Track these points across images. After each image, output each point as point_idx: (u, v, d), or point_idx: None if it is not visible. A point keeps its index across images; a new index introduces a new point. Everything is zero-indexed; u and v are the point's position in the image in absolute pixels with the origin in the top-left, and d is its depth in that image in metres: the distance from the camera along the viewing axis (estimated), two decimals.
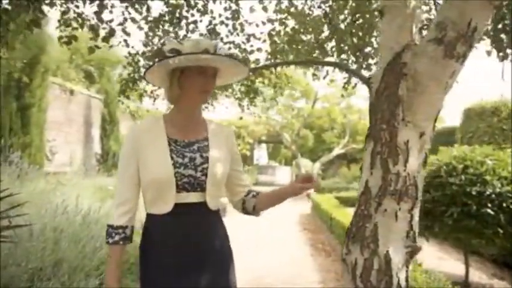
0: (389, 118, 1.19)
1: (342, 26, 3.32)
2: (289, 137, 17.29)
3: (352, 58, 3.65)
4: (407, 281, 1.20)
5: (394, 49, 1.26)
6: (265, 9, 3.30)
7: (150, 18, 3.53)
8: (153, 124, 1.41)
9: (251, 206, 1.50)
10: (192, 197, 1.36)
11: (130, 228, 1.37)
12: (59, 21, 3.04)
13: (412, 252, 1.21)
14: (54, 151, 8.62)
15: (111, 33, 2.98)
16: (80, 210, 3.42)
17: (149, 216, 1.40)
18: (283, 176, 23.85)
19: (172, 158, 1.34)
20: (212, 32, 3.51)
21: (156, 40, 3.69)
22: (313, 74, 4.63)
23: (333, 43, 3.65)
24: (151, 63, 1.44)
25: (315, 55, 3.78)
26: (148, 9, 3.41)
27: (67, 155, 9.36)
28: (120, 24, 3.18)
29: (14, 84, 6.81)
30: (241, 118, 6.04)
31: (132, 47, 4.13)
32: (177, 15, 3.29)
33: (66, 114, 9.47)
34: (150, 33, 3.68)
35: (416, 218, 1.23)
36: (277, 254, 5.47)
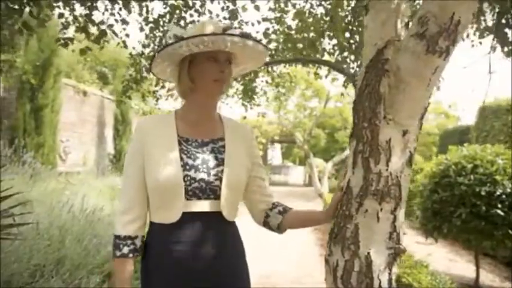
0: (371, 116, 1.16)
1: (343, 23, 3.28)
2: (302, 137, 17.19)
3: (352, 56, 3.62)
4: (390, 283, 1.16)
5: (377, 45, 1.22)
6: (257, 8, 3.28)
7: (150, 19, 3.57)
8: (163, 120, 1.24)
9: (276, 223, 1.30)
10: (204, 206, 1.17)
11: (140, 239, 1.20)
12: (62, 23, 3.12)
13: (396, 254, 1.17)
14: (67, 151, 8.81)
15: (102, 34, 3.01)
16: (85, 209, 3.48)
17: (153, 225, 1.22)
18: (296, 176, 23.78)
19: (181, 158, 1.16)
20: None
21: (157, 41, 3.73)
22: (315, 73, 4.58)
23: (334, 41, 3.61)
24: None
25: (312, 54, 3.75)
26: (148, 11, 3.44)
27: (80, 155, 9.55)
28: (110, 26, 3.21)
29: (27, 86, 6.99)
30: (244, 118, 6.02)
31: (134, 48, 4.19)
32: (176, 15, 3.30)
33: (79, 115, 9.66)
34: (151, 35, 3.72)
35: (400, 219, 1.19)
36: (286, 253, 5.44)
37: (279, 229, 1.32)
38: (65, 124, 8.48)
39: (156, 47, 3.70)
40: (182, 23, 3.33)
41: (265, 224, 1.34)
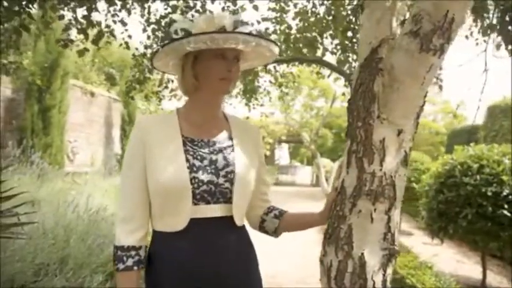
0: (365, 115, 1.15)
1: (344, 22, 3.26)
2: (308, 137, 17.15)
3: (354, 56, 3.59)
4: (384, 285, 1.15)
5: (372, 44, 1.21)
6: (256, 8, 3.26)
7: (152, 20, 3.61)
8: (165, 119, 1.16)
9: (273, 227, 1.26)
10: (214, 211, 1.09)
11: (144, 249, 1.10)
12: (66, 25, 3.17)
13: (390, 255, 1.16)
14: (75, 152, 8.91)
15: (100, 35, 3.05)
16: (90, 209, 3.52)
17: (156, 234, 1.13)
18: (304, 176, 23.72)
19: (187, 160, 1.08)
20: None
21: (159, 41, 3.76)
22: (317, 73, 4.57)
23: (336, 41, 3.59)
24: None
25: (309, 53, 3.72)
26: (149, 12, 3.48)
27: (88, 155, 9.65)
28: (107, 26, 3.26)
29: (35, 88, 7.10)
30: (247, 118, 6.04)
31: (136, 49, 4.23)
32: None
33: (87, 116, 9.77)
34: (152, 35, 3.76)
35: (395, 219, 1.18)
36: (291, 253, 5.42)
37: (275, 233, 1.29)
38: (72, 125, 8.59)
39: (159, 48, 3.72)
40: None
41: (261, 228, 1.30)
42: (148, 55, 3.95)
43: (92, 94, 9.91)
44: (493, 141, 6.61)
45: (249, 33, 1.07)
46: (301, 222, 1.32)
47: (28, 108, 7.07)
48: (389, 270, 1.18)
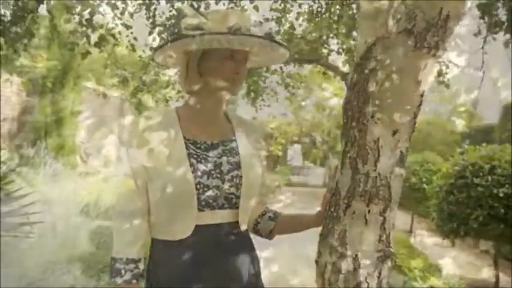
0: (359, 115, 1.14)
1: (350, 22, 3.23)
2: (320, 137, 17.05)
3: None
4: (379, 286, 1.13)
5: (367, 43, 1.20)
6: (256, 8, 3.25)
7: (158, 22, 3.65)
8: (164, 119, 1.09)
9: (267, 229, 1.24)
10: (218, 217, 1.06)
11: (143, 261, 1.06)
12: (74, 28, 3.25)
13: (385, 257, 1.14)
14: (88, 152, 9.05)
15: (102, 38, 3.10)
16: (99, 208, 3.58)
17: (156, 243, 1.08)
18: (316, 177, 23.56)
19: (191, 164, 1.03)
20: None
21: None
22: (323, 73, 4.54)
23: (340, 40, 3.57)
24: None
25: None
26: (154, 15, 3.52)
27: (101, 156, 9.80)
28: (108, 30, 3.31)
29: (48, 89, 7.26)
30: (254, 118, 6.05)
31: (143, 51, 4.28)
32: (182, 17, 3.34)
33: (99, 117, 9.92)
34: (158, 37, 3.80)
35: (391, 221, 1.16)
36: (298, 253, 5.39)
37: (270, 235, 1.27)
38: (85, 126, 8.73)
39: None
40: None
41: (256, 231, 1.27)
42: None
43: (104, 96, 10.06)
44: (508, 141, 6.45)
45: (265, 37, 1.03)
46: (297, 224, 1.30)
47: (41, 109, 7.23)
48: (385, 272, 1.16)
